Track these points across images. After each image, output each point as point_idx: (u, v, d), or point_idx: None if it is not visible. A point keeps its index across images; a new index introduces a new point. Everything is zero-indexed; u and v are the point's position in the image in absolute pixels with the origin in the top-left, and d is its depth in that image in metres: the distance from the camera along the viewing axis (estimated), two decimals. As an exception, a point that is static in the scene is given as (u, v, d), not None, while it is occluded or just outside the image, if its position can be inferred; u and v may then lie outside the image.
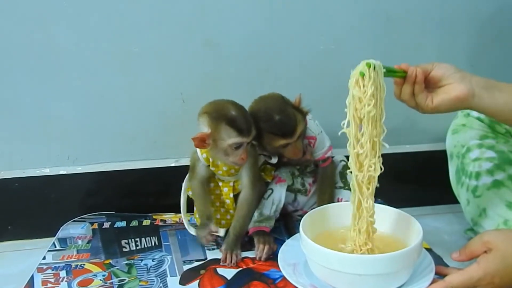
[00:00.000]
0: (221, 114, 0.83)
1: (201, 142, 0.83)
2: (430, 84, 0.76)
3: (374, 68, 0.65)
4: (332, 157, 0.99)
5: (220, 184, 0.93)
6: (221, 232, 0.88)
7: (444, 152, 1.05)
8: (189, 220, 0.97)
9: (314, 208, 0.89)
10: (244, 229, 0.90)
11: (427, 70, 0.75)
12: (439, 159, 1.06)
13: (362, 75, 0.65)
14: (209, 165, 0.90)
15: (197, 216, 0.95)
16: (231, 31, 1.05)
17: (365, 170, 0.69)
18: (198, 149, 0.89)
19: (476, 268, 0.68)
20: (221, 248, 0.88)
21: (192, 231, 0.92)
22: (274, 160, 0.93)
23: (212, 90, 1.02)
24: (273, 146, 0.88)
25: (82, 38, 1.00)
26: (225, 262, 0.86)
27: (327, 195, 0.96)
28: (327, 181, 0.97)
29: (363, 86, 0.66)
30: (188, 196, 0.97)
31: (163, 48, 1.03)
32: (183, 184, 0.93)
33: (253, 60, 1.07)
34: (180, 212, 1.06)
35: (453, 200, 1.00)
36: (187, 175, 0.94)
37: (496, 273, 0.67)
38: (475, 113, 0.99)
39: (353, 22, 1.08)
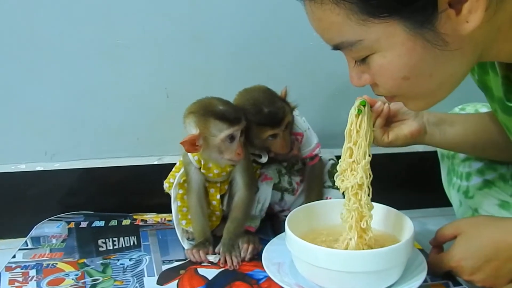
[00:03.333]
0: (209, 110, 0.80)
1: (191, 145, 0.79)
2: (386, 118, 0.79)
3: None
4: (320, 156, 0.96)
5: (207, 185, 0.89)
6: (216, 259, 0.83)
7: (435, 154, 1.02)
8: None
9: (301, 207, 0.85)
10: (239, 230, 0.85)
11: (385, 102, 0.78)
12: (431, 160, 1.03)
13: (360, 112, 0.69)
14: (200, 168, 0.86)
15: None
16: (221, 26, 1.02)
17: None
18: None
19: (445, 254, 0.73)
20: (217, 250, 0.84)
21: (185, 245, 0.86)
22: (264, 159, 0.89)
23: (198, 85, 0.98)
24: (260, 138, 0.85)
25: (65, 27, 0.97)
26: (224, 266, 0.81)
27: (314, 194, 0.92)
28: (315, 179, 0.94)
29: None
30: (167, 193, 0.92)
31: (149, 40, 1.00)
32: (172, 192, 0.88)
33: (242, 56, 1.04)
34: (162, 212, 1.03)
35: (445, 203, 0.97)
36: (175, 181, 0.88)
37: (461, 256, 0.70)
38: (464, 113, 0.97)
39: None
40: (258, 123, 0.83)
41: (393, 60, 0.56)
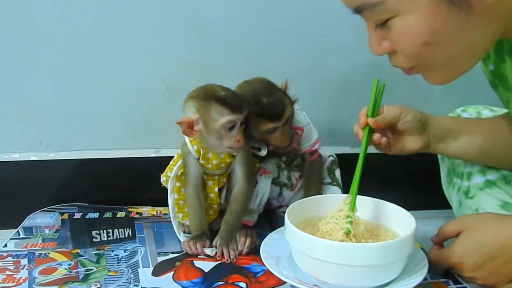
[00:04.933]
0: (210, 94, 0.79)
1: (188, 127, 0.79)
2: (393, 129, 0.77)
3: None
4: (320, 152, 0.95)
5: (205, 177, 0.87)
6: (212, 252, 0.82)
7: (435, 155, 1.01)
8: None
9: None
10: (237, 223, 0.84)
11: (394, 121, 0.75)
12: (430, 162, 1.03)
13: (348, 231, 0.66)
14: (199, 158, 0.84)
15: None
16: (221, 18, 1.01)
17: None
18: (188, 142, 0.84)
19: (448, 248, 0.71)
20: (215, 243, 0.82)
21: (181, 237, 0.85)
22: (263, 152, 0.88)
23: (198, 77, 0.96)
24: (260, 131, 0.83)
25: (63, 15, 0.95)
26: (221, 259, 0.79)
27: (314, 190, 0.91)
28: (314, 175, 0.93)
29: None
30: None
31: (149, 30, 0.99)
32: (169, 184, 0.87)
33: (242, 49, 1.03)
34: (158, 206, 1.01)
35: (444, 205, 0.96)
36: (173, 173, 0.87)
37: (463, 252, 0.68)
38: (466, 114, 0.97)
39: (347, 15, 1.04)
40: (257, 115, 0.82)
41: (415, 23, 0.54)
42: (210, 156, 0.84)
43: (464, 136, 0.80)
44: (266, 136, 0.85)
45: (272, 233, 0.79)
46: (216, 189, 0.88)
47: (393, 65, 0.62)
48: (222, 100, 0.78)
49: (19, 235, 0.88)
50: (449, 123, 0.81)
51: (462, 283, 0.73)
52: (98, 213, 0.97)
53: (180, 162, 0.87)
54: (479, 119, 0.89)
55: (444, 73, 0.61)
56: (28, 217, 0.95)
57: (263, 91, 0.83)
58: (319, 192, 0.92)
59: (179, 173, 0.87)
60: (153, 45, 1.00)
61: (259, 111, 0.82)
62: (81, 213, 0.97)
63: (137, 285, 0.72)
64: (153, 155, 1.04)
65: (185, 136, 0.83)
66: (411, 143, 0.77)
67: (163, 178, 0.91)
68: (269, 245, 0.75)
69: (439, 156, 0.99)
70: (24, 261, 0.78)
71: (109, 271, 0.76)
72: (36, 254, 0.80)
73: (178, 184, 0.87)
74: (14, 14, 0.94)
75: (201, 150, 0.83)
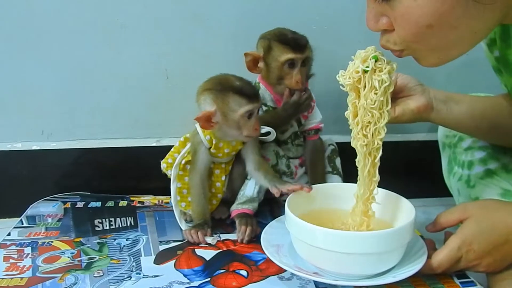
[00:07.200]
0: (226, 86, 0.80)
1: (206, 121, 0.79)
2: (391, 94, 0.75)
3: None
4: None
5: (211, 166, 0.88)
6: (214, 241, 0.82)
7: (436, 143, 1.01)
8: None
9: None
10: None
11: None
12: (431, 150, 1.03)
13: (376, 58, 0.64)
14: (210, 147, 0.85)
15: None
16: (222, 6, 1.01)
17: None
18: (200, 131, 0.84)
19: (454, 238, 0.68)
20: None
21: (183, 225, 0.86)
22: (271, 137, 0.88)
23: (199, 67, 0.97)
24: (280, 61, 0.85)
25: (63, 4, 0.95)
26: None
27: (319, 168, 0.93)
28: (318, 153, 0.94)
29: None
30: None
31: (149, 20, 0.98)
32: (172, 172, 0.87)
33: (243, 37, 1.02)
34: (160, 195, 1.02)
35: (445, 193, 0.97)
36: (176, 161, 0.87)
37: (472, 238, 0.67)
38: None
39: (349, 3, 1.05)
40: (281, 42, 0.85)
41: (424, 5, 0.53)
42: (221, 145, 0.84)
43: (465, 104, 0.78)
44: (284, 72, 0.86)
45: (273, 221, 0.80)
46: (223, 178, 0.88)
47: (382, 45, 0.61)
48: (240, 91, 0.78)
49: (22, 224, 0.89)
50: (449, 92, 0.80)
51: (464, 274, 0.72)
52: (100, 202, 0.98)
53: (184, 150, 0.87)
54: (474, 95, 0.87)
55: (436, 57, 0.61)
56: (31, 206, 0.95)
57: (288, 30, 0.88)
58: (324, 170, 0.94)
59: (183, 162, 0.87)
60: (154, 35, 0.99)
61: (284, 40, 0.85)
62: (84, 202, 0.97)
63: (139, 273, 0.73)
64: (154, 144, 1.05)
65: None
66: (415, 101, 0.75)
67: (163, 165, 0.90)
68: (270, 234, 0.76)
69: (440, 145, 0.99)
70: (28, 250, 0.79)
71: (111, 259, 0.76)
72: (39, 243, 0.81)
73: (181, 173, 0.88)
74: (15, 3, 0.94)
75: (214, 140, 0.84)
